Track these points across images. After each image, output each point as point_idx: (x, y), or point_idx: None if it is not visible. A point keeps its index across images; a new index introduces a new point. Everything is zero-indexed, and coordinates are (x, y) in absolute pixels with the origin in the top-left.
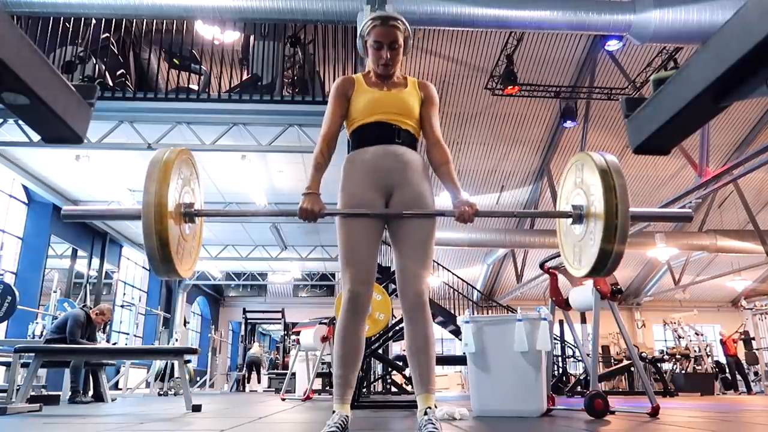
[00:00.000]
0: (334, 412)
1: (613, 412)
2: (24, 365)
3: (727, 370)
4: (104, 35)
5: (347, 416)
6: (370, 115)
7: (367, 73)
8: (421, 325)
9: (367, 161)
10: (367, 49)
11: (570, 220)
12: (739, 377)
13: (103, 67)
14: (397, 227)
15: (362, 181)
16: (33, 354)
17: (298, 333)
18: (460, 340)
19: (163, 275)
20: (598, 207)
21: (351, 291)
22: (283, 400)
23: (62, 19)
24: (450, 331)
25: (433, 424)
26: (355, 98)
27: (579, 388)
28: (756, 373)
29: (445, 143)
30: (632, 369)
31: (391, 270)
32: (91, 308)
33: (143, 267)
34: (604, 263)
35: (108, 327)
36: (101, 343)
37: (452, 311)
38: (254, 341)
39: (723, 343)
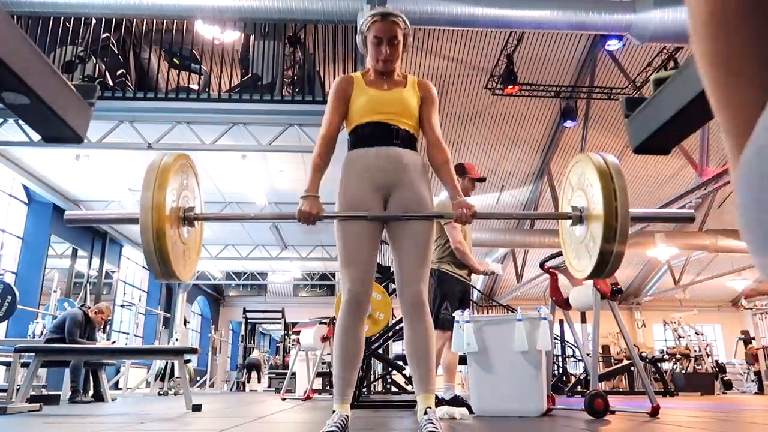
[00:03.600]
0: (334, 411)
1: (613, 412)
2: (24, 365)
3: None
4: (104, 35)
5: (347, 416)
6: (369, 115)
7: (367, 71)
8: (421, 324)
9: (365, 162)
10: (367, 46)
11: (570, 221)
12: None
13: (103, 67)
14: (396, 229)
15: (361, 183)
16: (33, 354)
17: (298, 333)
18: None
19: (162, 279)
20: (598, 208)
21: (350, 291)
22: (284, 399)
23: (62, 18)
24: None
25: (433, 423)
26: (355, 98)
27: (579, 388)
28: (756, 373)
29: (445, 143)
30: (632, 369)
31: (391, 270)
32: (89, 308)
33: (143, 267)
34: (605, 264)
35: (108, 326)
36: (101, 342)
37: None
38: (254, 347)
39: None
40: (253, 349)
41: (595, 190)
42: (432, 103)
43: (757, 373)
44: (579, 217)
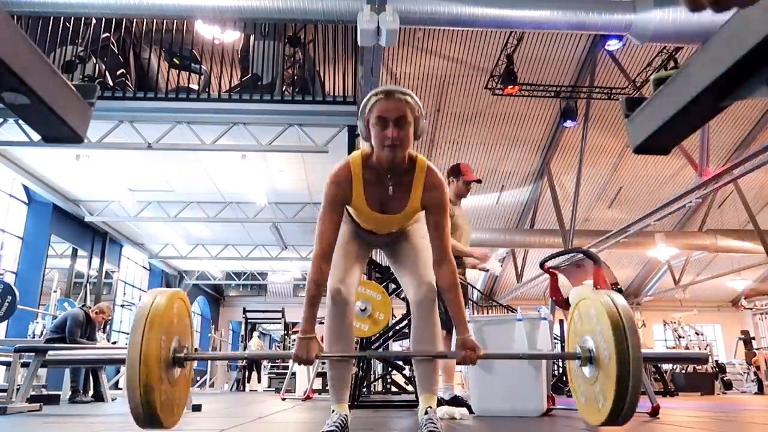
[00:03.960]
0: (333, 411)
1: None
2: (24, 365)
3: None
4: (104, 35)
5: (346, 415)
6: (366, 225)
7: (369, 156)
8: (429, 324)
9: (360, 232)
10: (369, 130)
11: (579, 361)
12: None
13: (104, 67)
14: (391, 249)
15: (351, 238)
16: (33, 354)
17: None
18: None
19: (146, 426)
20: (609, 355)
21: (331, 289)
22: (283, 399)
23: (62, 18)
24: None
25: (433, 423)
26: (352, 205)
27: None
28: (756, 373)
29: (445, 144)
30: None
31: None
32: (90, 308)
33: (143, 267)
34: (617, 416)
35: (108, 326)
36: (102, 342)
37: None
38: (254, 333)
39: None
40: (253, 336)
41: (606, 339)
42: (438, 208)
43: (756, 373)
44: (588, 359)
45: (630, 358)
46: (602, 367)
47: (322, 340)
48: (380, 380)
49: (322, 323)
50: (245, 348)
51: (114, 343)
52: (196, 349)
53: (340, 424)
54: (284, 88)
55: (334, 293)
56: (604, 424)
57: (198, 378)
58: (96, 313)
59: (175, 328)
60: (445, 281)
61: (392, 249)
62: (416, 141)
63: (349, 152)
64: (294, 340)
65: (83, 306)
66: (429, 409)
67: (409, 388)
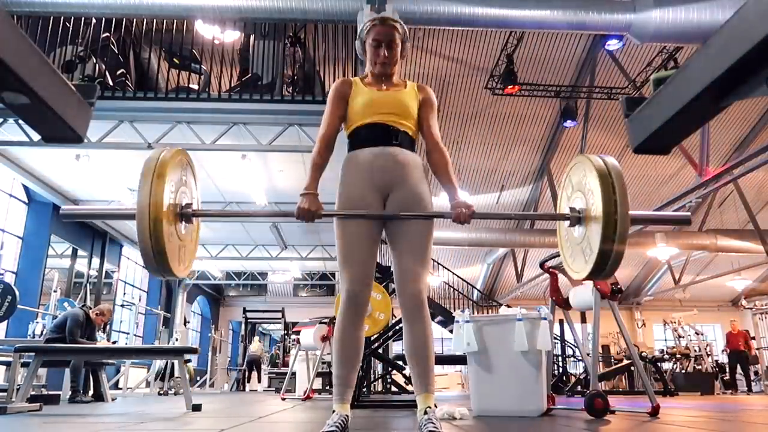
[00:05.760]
0: (333, 411)
1: (613, 412)
2: (24, 365)
3: (727, 368)
4: (104, 35)
5: (347, 416)
6: (368, 116)
7: (366, 75)
8: (420, 324)
9: (364, 162)
10: (366, 50)
11: (568, 222)
12: (740, 375)
13: (103, 67)
14: (395, 228)
15: (360, 182)
16: (33, 353)
17: (298, 332)
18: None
19: (158, 275)
20: (597, 209)
21: (349, 291)
22: (284, 399)
23: (62, 18)
24: (450, 331)
25: (433, 423)
26: (353, 99)
27: (579, 388)
28: (756, 373)
29: (445, 144)
30: (632, 368)
31: (391, 270)
32: (90, 308)
33: (143, 267)
34: (604, 264)
35: (108, 326)
36: (101, 342)
37: (452, 311)
38: (254, 337)
39: (729, 336)
40: (254, 339)
41: (594, 192)
42: (431, 106)
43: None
44: (578, 218)
45: (618, 216)
46: (590, 226)
47: (322, 340)
48: (380, 380)
49: (323, 323)
50: (245, 349)
51: (114, 342)
52: (196, 349)
53: (340, 424)
54: (284, 87)
55: (351, 295)
56: (589, 277)
57: (198, 378)
58: (96, 314)
59: (181, 183)
60: (438, 162)
61: (396, 235)
62: (402, 60)
63: (348, 152)
64: (294, 339)
65: (83, 306)
66: (428, 409)
67: (409, 387)
